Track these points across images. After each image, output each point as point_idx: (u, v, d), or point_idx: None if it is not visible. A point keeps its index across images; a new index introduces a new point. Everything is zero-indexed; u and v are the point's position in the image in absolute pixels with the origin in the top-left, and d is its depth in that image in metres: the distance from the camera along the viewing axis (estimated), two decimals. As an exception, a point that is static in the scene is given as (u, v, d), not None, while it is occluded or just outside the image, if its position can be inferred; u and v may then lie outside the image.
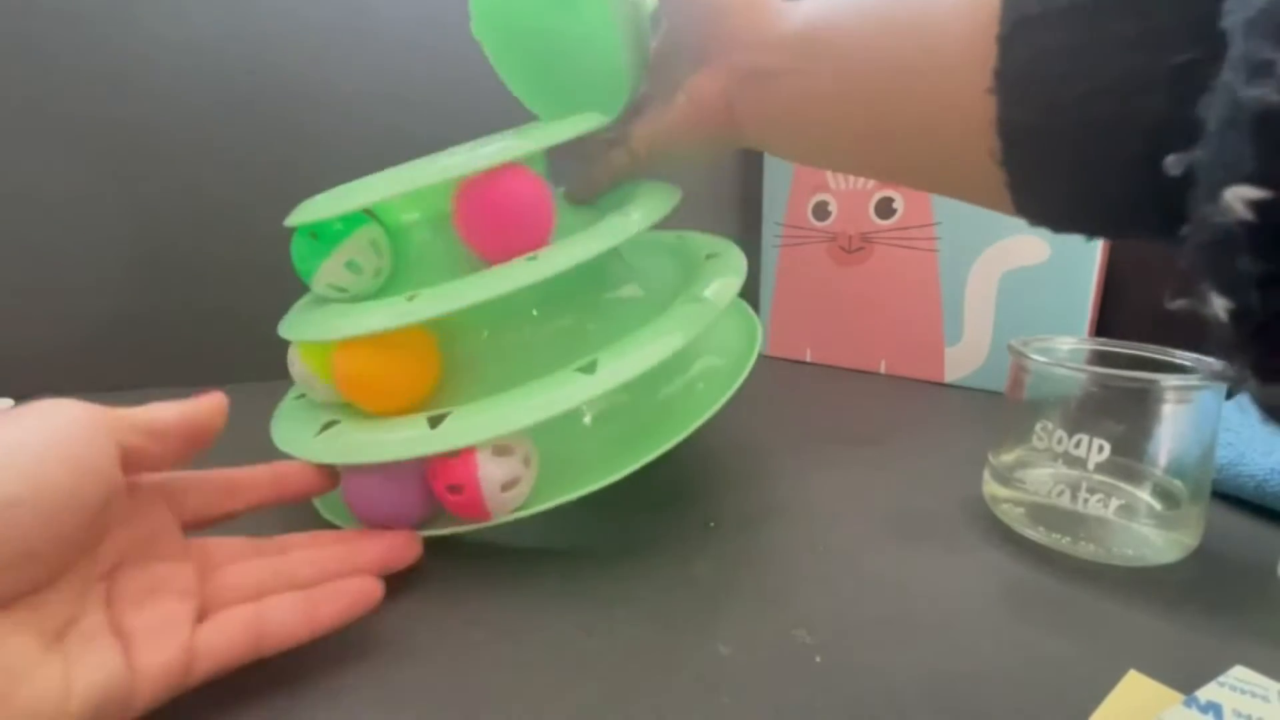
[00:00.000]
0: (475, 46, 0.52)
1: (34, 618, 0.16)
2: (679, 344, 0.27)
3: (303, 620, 0.21)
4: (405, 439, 0.25)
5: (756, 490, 0.34)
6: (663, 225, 0.31)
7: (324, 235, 0.28)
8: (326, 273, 0.28)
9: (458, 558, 0.27)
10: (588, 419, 0.32)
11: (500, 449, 0.25)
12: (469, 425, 0.25)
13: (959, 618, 0.24)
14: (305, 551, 0.23)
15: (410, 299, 0.26)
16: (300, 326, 0.28)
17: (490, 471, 0.24)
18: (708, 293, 0.30)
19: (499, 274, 0.26)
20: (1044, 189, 0.19)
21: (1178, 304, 0.12)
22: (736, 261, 0.33)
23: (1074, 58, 0.16)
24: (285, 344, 0.31)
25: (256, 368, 0.45)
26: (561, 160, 0.33)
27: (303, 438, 0.27)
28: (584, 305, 0.33)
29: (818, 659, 0.21)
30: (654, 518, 0.31)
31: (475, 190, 0.27)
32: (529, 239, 0.28)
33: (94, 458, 0.18)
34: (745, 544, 0.28)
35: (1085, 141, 0.16)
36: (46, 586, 0.17)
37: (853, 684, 0.20)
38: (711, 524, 0.30)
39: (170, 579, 0.20)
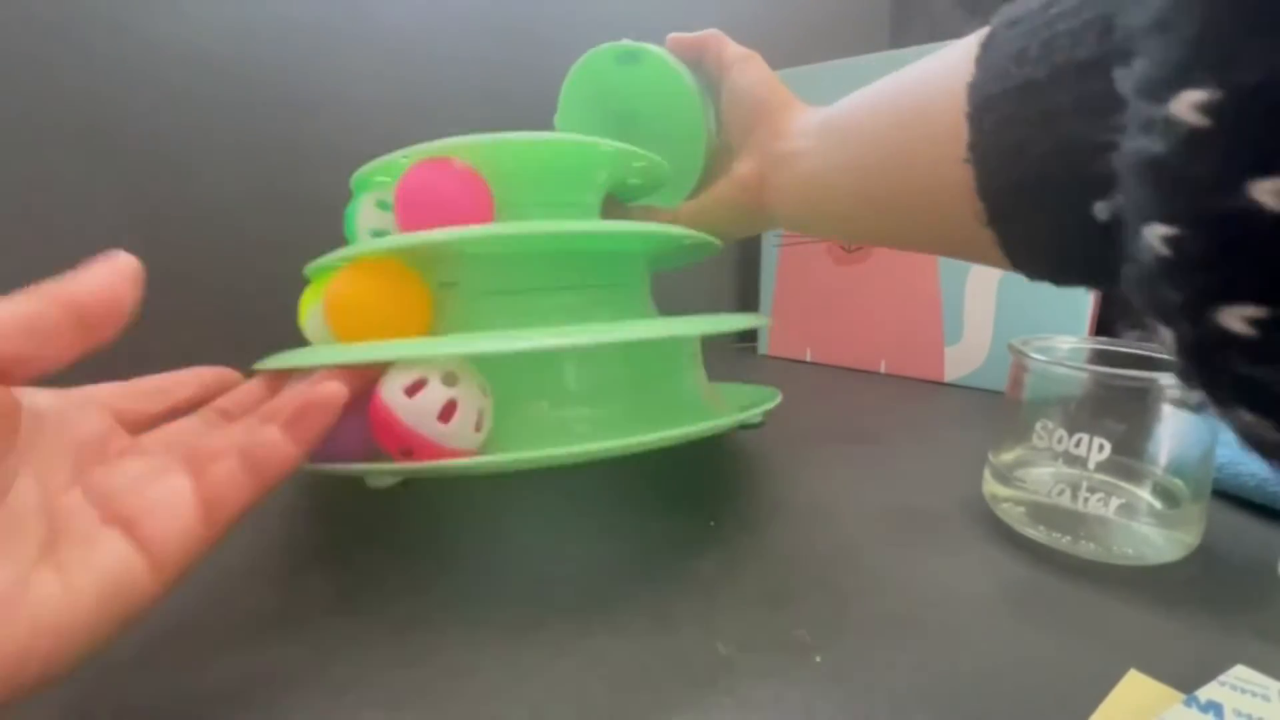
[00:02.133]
0: (475, 48, 0.52)
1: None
2: (682, 331, 0.27)
3: (290, 440, 0.20)
4: (381, 346, 0.24)
5: (757, 490, 0.34)
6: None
7: (359, 187, 0.33)
8: (364, 218, 0.32)
9: (457, 558, 0.27)
10: (572, 381, 0.30)
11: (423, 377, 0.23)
12: (454, 341, 0.24)
13: (959, 617, 0.24)
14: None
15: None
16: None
17: (394, 390, 0.23)
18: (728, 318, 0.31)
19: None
20: (1029, 246, 0.21)
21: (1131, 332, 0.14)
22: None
23: (1029, 127, 0.18)
24: (287, 342, 0.31)
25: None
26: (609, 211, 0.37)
27: (286, 359, 0.26)
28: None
29: (818, 659, 0.21)
30: (655, 517, 0.31)
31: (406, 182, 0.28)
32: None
33: None
34: (746, 544, 0.28)
35: (1053, 201, 0.18)
36: None
37: (853, 684, 0.20)
38: (712, 523, 0.30)
39: (145, 463, 0.20)
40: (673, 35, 0.36)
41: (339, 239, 0.32)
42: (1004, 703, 0.20)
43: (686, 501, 0.32)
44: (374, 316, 0.27)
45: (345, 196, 0.34)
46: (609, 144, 0.30)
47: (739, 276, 0.74)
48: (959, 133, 0.20)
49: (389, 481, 0.25)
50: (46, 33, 0.46)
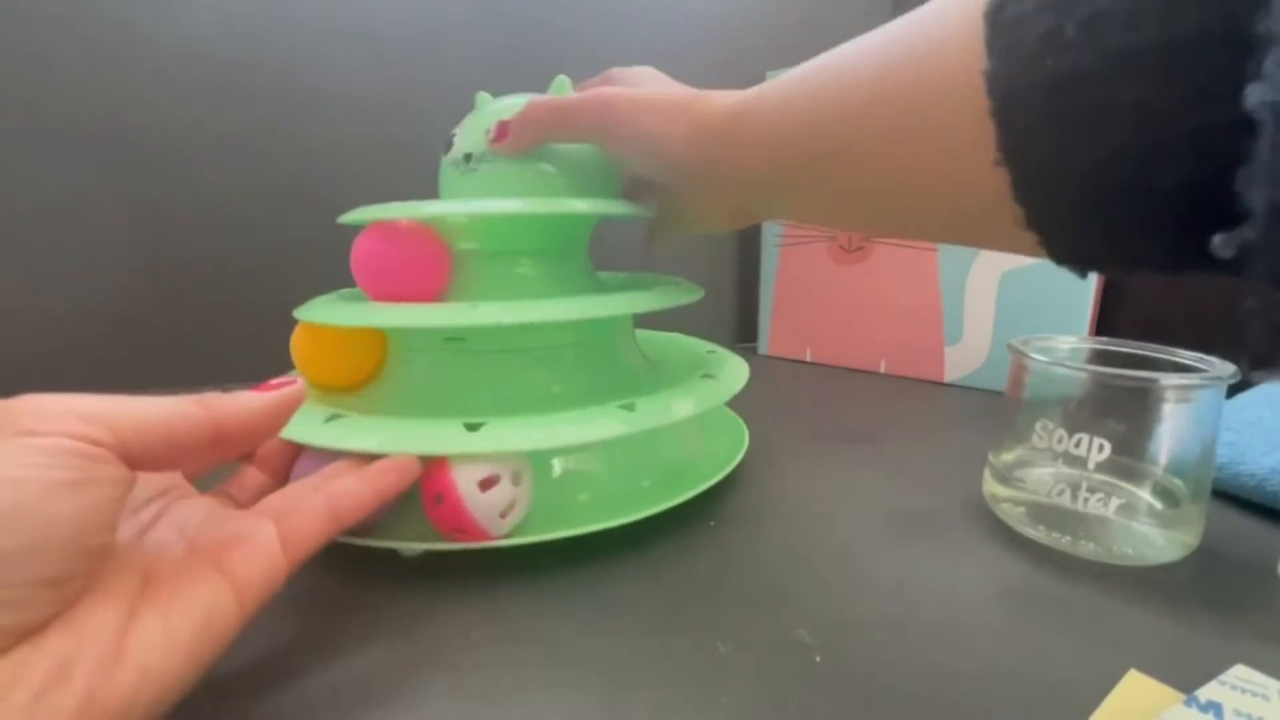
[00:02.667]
0: (475, 49, 0.52)
1: (105, 596, 0.15)
2: (709, 405, 0.29)
3: (368, 489, 0.23)
4: (442, 437, 0.25)
5: (757, 490, 0.34)
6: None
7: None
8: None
9: (456, 559, 0.27)
10: (558, 470, 0.30)
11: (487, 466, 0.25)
12: (508, 435, 0.25)
13: (959, 617, 0.24)
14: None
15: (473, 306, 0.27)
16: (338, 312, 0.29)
17: (470, 482, 0.24)
18: (721, 375, 0.33)
19: (534, 307, 0.27)
20: (1083, 247, 0.19)
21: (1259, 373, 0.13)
22: (734, 363, 0.36)
23: (1076, 128, 0.16)
24: (286, 343, 0.31)
25: (257, 368, 0.45)
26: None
27: (310, 426, 0.26)
28: (594, 364, 0.34)
29: (818, 659, 0.21)
30: (654, 517, 0.30)
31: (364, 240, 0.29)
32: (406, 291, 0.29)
33: (97, 480, 0.15)
34: (745, 543, 0.28)
35: (1106, 204, 0.17)
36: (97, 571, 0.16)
37: (853, 684, 0.20)
38: (712, 523, 0.30)
39: (219, 505, 0.21)
40: (493, 144, 0.31)
41: (339, 236, 0.32)
42: (1004, 703, 0.20)
43: (686, 501, 0.32)
44: (323, 372, 0.32)
45: (346, 193, 0.34)
46: (609, 205, 0.29)
47: (739, 276, 0.74)
48: (977, 132, 0.17)
49: (417, 550, 0.26)
50: (48, 29, 0.46)
